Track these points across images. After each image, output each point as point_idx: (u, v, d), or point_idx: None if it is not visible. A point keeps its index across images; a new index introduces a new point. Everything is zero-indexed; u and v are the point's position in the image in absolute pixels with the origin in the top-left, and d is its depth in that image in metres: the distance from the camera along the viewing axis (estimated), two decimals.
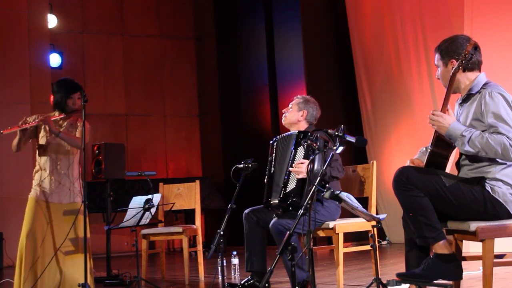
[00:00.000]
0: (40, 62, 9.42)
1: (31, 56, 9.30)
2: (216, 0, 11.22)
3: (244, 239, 4.96)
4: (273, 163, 4.82)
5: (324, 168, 3.77)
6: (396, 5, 8.79)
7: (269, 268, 3.52)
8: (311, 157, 4.07)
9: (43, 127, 4.98)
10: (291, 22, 9.73)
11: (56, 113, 5.03)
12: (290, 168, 4.63)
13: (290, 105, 5.09)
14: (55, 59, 10.02)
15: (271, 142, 4.94)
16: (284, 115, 5.08)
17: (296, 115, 5.02)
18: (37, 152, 5.04)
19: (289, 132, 4.91)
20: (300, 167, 4.56)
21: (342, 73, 9.84)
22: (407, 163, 3.80)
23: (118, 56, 10.89)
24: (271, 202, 4.70)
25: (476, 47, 3.61)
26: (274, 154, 4.83)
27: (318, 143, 3.95)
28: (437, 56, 3.72)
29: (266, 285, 4.56)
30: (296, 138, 4.72)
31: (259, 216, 4.92)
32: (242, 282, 4.90)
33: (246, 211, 4.98)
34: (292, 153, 4.69)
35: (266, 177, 4.87)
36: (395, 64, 8.82)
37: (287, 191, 4.63)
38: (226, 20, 11.03)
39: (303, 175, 4.54)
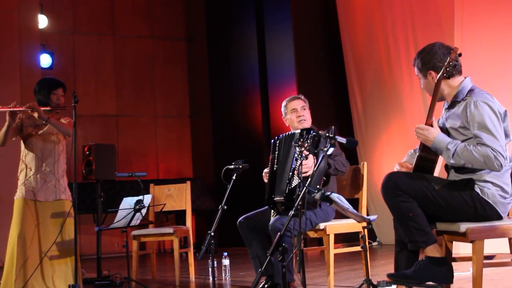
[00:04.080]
0: (30, 63, 9.37)
1: (21, 57, 9.24)
2: (207, 1, 11.22)
3: (247, 249, 4.79)
4: (275, 160, 4.74)
5: (316, 168, 3.74)
6: (387, 6, 8.81)
7: (259, 270, 3.51)
8: (301, 158, 4.06)
9: (28, 124, 4.96)
10: (282, 24, 9.74)
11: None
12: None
13: (303, 106, 4.92)
14: (45, 60, 9.99)
15: (273, 140, 4.87)
16: (304, 118, 4.89)
17: (310, 116, 4.95)
18: (22, 151, 5.03)
19: (292, 131, 4.82)
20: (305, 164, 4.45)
21: (333, 74, 9.86)
22: (395, 167, 3.81)
23: (109, 56, 10.86)
24: (275, 199, 4.63)
25: (459, 54, 3.61)
26: (276, 152, 4.76)
27: (308, 145, 3.94)
28: (415, 69, 3.75)
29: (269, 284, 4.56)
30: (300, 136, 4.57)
31: (255, 221, 4.79)
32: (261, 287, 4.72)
33: (241, 219, 4.82)
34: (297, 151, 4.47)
35: (268, 174, 4.78)
36: (385, 65, 8.84)
37: (292, 187, 4.57)
38: (217, 21, 11.03)
39: (310, 172, 4.44)
